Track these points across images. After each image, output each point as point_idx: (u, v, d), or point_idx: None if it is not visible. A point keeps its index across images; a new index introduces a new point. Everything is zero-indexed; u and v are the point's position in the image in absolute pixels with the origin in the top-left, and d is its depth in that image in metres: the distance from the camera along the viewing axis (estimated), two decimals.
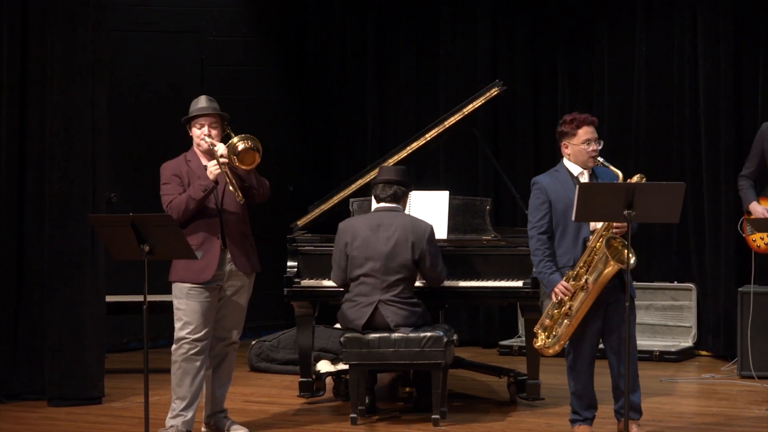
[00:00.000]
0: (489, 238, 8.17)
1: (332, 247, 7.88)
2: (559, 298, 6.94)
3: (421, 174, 10.43)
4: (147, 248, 6.60)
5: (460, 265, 8.02)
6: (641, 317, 9.79)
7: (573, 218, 6.72)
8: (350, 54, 11.43)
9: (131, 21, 10.69)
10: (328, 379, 8.59)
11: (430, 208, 8.14)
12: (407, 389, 8.44)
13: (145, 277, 6.63)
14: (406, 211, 7.93)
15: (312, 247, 8.26)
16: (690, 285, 10.08)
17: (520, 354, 9.72)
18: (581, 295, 6.90)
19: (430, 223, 7.77)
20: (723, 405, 8.25)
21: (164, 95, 10.75)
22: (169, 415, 7.27)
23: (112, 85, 9.13)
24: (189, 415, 7.25)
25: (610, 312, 7.00)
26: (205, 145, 7.31)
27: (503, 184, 8.93)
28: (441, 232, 8.02)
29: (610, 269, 6.84)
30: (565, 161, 7.11)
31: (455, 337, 7.83)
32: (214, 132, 7.31)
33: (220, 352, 7.43)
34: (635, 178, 6.86)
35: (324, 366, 9.04)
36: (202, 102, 7.35)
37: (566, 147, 7.09)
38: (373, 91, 11.30)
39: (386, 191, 7.75)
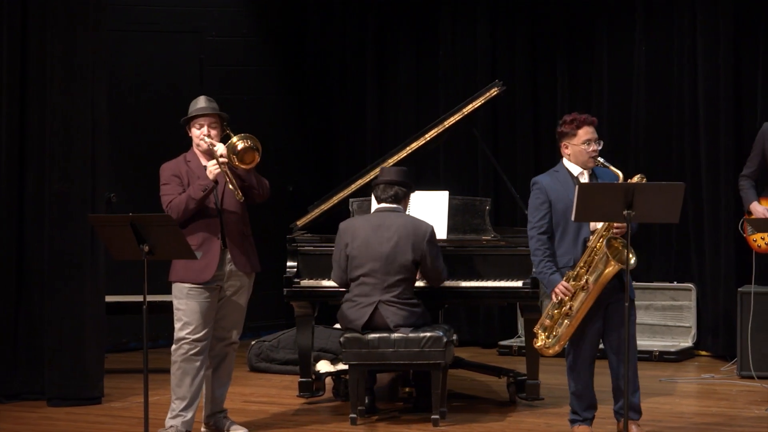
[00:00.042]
0: (489, 238, 8.18)
1: (332, 247, 7.89)
2: (560, 298, 6.94)
3: (421, 174, 10.42)
4: (147, 248, 6.60)
5: (459, 266, 8.02)
6: (641, 317, 9.79)
7: (572, 218, 6.72)
8: (350, 54, 11.44)
9: (131, 21, 10.70)
10: (328, 379, 8.59)
11: (430, 208, 8.14)
12: (407, 389, 8.44)
13: (144, 277, 6.63)
14: (407, 212, 7.92)
15: (312, 247, 8.26)
16: (689, 285, 10.08)
17: (520, 354, 9.72)
18: (581, 296, 6.90)
19: (430, 223, 7.77)
20: (722, 405, 8.25)
21: (164, 95, 10.76)
22: (169, 415, 7.27)
23: (112, 85, 9.14)
24: (189, 415, 7.25)
25: (611, 312, 7.00)
26: (204, 146, 7.31)
27: (503, 184, 8.93)
28: (441, 232, 8.02)
29: (611, 269, 6.84)
30: (565, 161, 7.11)
31: (455, 337, 7.84)
32: (213, 132, 7.31)
33: (220, 352, 7.43)
34: (636, 179, 6.86)
35: (323, 366, 9.04)
36: (201, 102, 7.35)
37: (566, 147, 7.09)
38: (373, 91, 11.30)
39: (387, 192, 7.75)
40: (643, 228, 7.75)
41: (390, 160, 8.40)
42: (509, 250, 8.07)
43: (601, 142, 7.09)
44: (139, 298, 7.29)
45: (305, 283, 8.19)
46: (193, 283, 7.21)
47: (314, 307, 8.27)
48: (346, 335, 7.62)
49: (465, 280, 8.02)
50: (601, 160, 7.03)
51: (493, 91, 8.38)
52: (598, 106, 10.39)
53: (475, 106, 8.40)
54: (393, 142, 9.42)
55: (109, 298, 8.76)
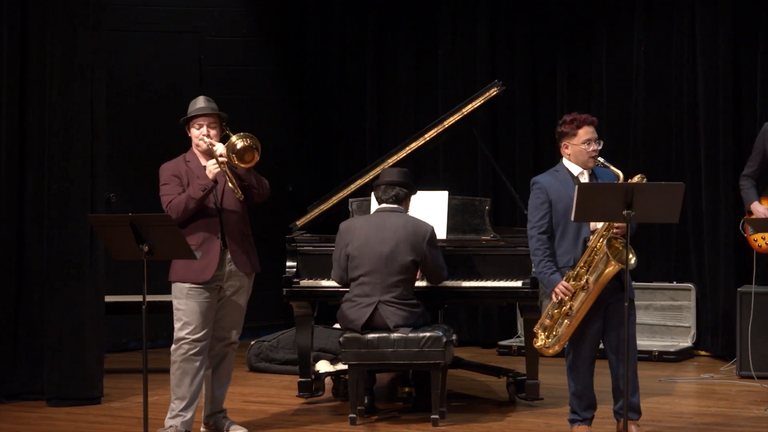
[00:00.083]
0: (488, 238, 8.18)
1: (331, 247, 7.89)
2: (560, 298, 6.94)
3: (421, 174, 10.43)
4: (146, 248, 6.60)
5: (459, 266, 8.02)
6: (640, 317, 9.78)
7: (572, 218, 6.72)
8: (350, 54, 11.44)
9: (131, 21, 10.70)
10: (327, 379, 8.60)
11: (429, 208, 8.15)
12: (406, 389, 8.44)
13: (144, 277, 6.63)
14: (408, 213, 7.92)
15: (311, 247, 8.26)
16: (689, 285, 10.08)
17: (519, 354, 9.73)
18: (581, 295, 6.90)
19: (430, 223, 7.77)
20: (722, 405, 8.25)
21: (164, 95, 10.76)
22: (169, 415, 7.27)
23: (111, 85, 9.13)
24: (188, 415, 7.25)
25: (610, 312, 7.00)
26: (203, 146, 7.31)
27: (502, 184, 8.93)
28: (440, 232, 8.02)
29: (611, 269, 6.84)
30: (565, 161, 7.11)
31: (454, 337, 7.83)
32: (212, 132, 7.31)
33: (220, 352, 7.43)
34: (636, 179, 6.86)
35: (323, 366, 9.04)
36: (200, 102, 7.35)
37: (566, 147, 7.09)
38: (373, 91, 11.30)
39: (388, 193, 7.75)
40: (642, 228, 7.75)
41: (389, 160, 8.40)
42: (509, 250, 8.07)
43: (601, 142, 7.09)
44: (138, 298, 7.29)
45: (305, 283, 8.19)
46: (192, 283, 7.21)
47: (314, 307, 8.28)
48: (345, 335, 7.63)
49: (464, 280, 8.03)
50: (601, 160, 7.03)
51: (493, 91, 8.38)
52: (598, 106, 10.39)
53: (475, 106, 8.40)
54: (392, 142, 9.42)
55: (108, 298, 8.76)
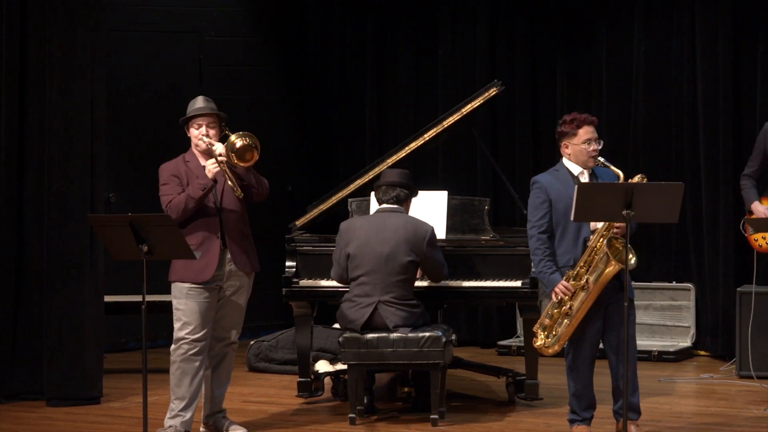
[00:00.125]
0: (487, 238, 8.18)
1: (331, 247, 7.90)
2: (559, 297, 6.94)
3: (420, 174, 10.43)
4: (146, 248, 6.60)
5: (458, 265, 8.02)
6: (640, 317, 9.78)
7: (572, 218, 6.72)
8: (349, 54, 11.44)
9: (131, 21, 10.70)
10: (327, 379, 8.60)
11: (429, 208, 8.14)
12: (406, 389, 8.44)
13: (143, 277, 6.63)
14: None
15: (310, 247, 8.26)
16: (688, 285, 10.08)
17: (519, 354, 9.74)
18: (581, 295, 6.90)
19: (429, 223, 7.77)
20: (721, 405, 8.25)
21: (164, 95, 10.76)
22: (168, 415, 7.27)
23: (111, 85, 9.13)
24: (188, 415, 7.25)
25: (610, 312, 7.00)
26: (203, 146, 7.31)
27: (502, 184, 8.93)
28: (439, 232, 8.02)
29: (611, 269, 6.84)
30: (565, 161, 7.11)
31: (454, 337, 7.83)
32: (211, 132, 7.31)
33: (219, 352, 7.43)
34: (636, 179, 6.85)
35: (322, 366, 9.04)
36: (199, 102, 7.36)
37: (566, 147, 7.09)
38: (372, 91, 11.30)
39: (389, 194, 7.75)
40: (642, 228, 7.75)
41: (389, 160, 8.40)
42: (508, 250, 8.07)
43: (602, 142, 7.09)
44: (138, 298, 7.30)
45: (304, 283, 8.19)
46: (192, 283, 7.21)
47: (313, 306, 8.28)
48: (345, 335, 7.63)
49: (464, 280, 8.02)
50: (601, 159, 7.03)
51: (492, 91, 8.38)
52: (598, 106, 10.39)
53: (474, 106, 8.40)
54: (392, 142, 9.43)
55: (108, 298, 8.76)
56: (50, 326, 8.34)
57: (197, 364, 7.24)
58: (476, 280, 8.04)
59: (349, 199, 8.41)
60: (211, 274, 7.22)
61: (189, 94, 7.79)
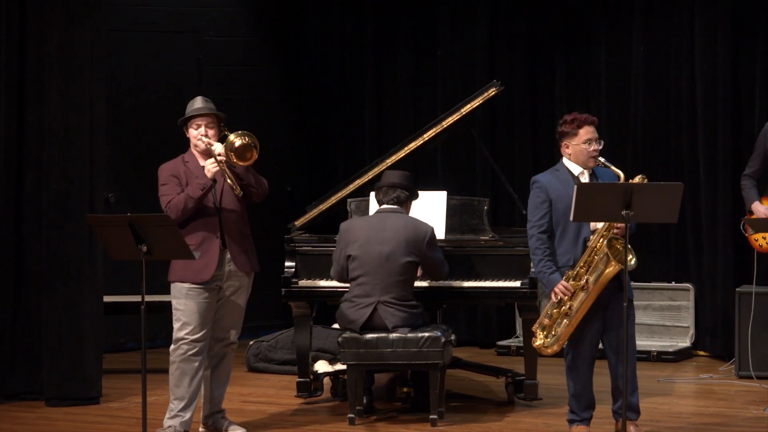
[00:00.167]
0: (487, 238, 8.18)
1: (330, 247, 7.90)
2: (559, 297, 6.94)
3: (419, 174, 10.41)
4: (145, 248, 6.60)
5: (457, 266, 8.02)
6: (639, 317, 9.79)
7: (571, 218, 6.71)
8: (348, 54, 11.44)
9: (130, 21, 10.70)
10: (326, 379, 8.59)
11: (428, 208, 8.14)
12: (405, 389, 8.43)
13: (142, 277, 6.63)
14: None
15: (310, 248, 8.26)
16: (688, 285, 10.08)
17: (518, 354, 9.74)
18: (581, 295, 6.90)
19: (428, 223, 7.77)
20: (721, 405, 8.25)
21: (163, 95, 10.75)
22: (167, 415, 7.27)
23: (110, 85, 9.14)
24: (187, 415, 7.25)
25: (610, 312, 7.00)
26: (202, 146, 7.31)
27: (501, 184, 8.93)
28: (439, 232, 8.01)
29: (611, 269, 6.84)
30: (565, 161, 7.11)
31: (453, 337, 7.84)
32: (210, 132, 7.31)
33: (219, 353, 7.43)
34: (637, 179, 6.85)
35: (322, 366, 9.04)
36: (198, 102, 7.36)
37: (567, 147, 7.09)
38: (372, 91, 11.30)
39: (389, 195, 7.75)
40: (641, 228, 7.75)
41: (388, 160, 8.40)
42: (507, 250, 8.07)
43: (602, 142, 7.09)
44: (137, 298, 7.31)
45: (303, 283, 8.18)
46: (192, 283, 7.21)
47: (312, 307, 8.28)
48: (344, 335, 7.63)
49: (463, 280, 8.02)
50: (602, 159, 7.03)
51: (492, 91, 8.38)
52: (597, 106, 10.38)
53: (474, 106, 8.40)
54: (391, 142, 9.42)
55: (107, 298, 8.76)
56: (49, 326, 8.34)
57: (196, 364, 7.24)
58: (475, 280, 8.03)
59: (349, 200, 8.41)
60: (211, 274, 7.21)
61: (188, 94, 7.79)
